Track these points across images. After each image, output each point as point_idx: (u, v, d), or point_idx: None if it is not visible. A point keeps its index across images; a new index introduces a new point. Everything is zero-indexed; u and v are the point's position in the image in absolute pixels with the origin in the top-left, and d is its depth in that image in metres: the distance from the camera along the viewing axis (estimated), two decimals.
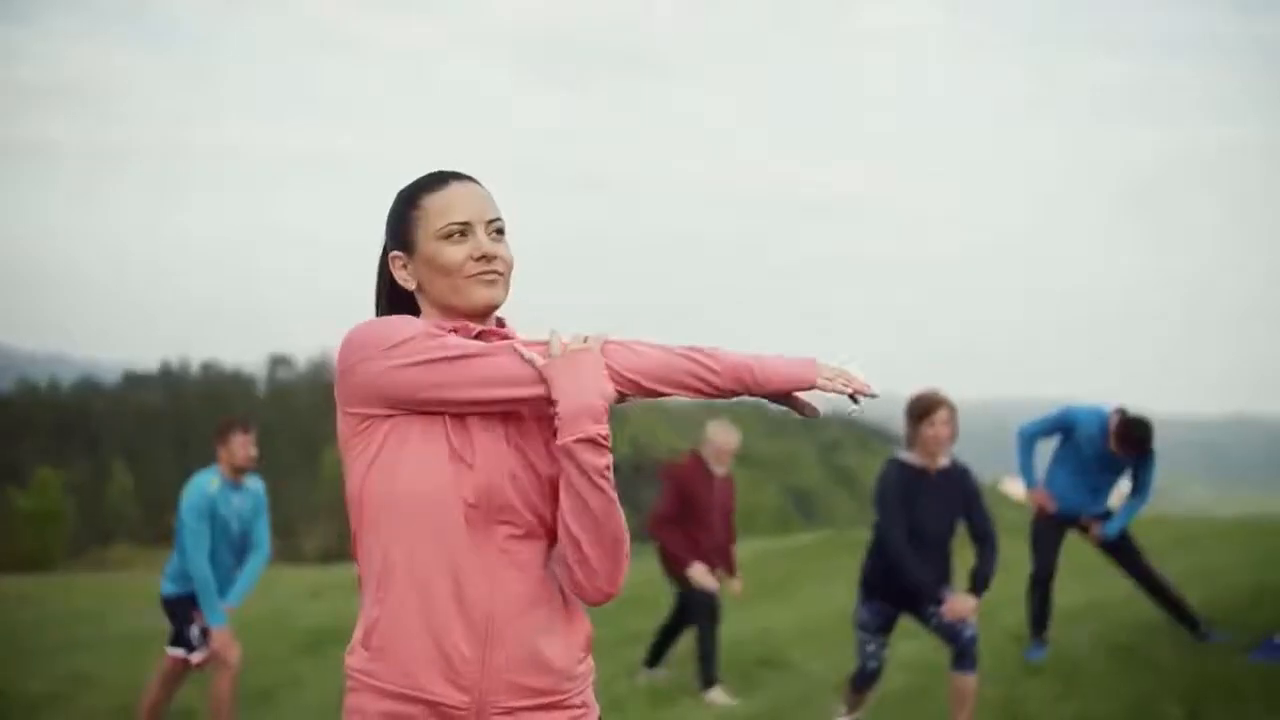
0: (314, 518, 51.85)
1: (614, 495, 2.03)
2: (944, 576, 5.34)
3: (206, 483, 6.08)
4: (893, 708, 6.15)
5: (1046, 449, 6.99)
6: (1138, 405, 7.25)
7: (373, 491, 2.05)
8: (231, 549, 6.19)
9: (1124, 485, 7.12)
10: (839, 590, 11.35)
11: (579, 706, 2.13)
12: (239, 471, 6.15)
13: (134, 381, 75.40)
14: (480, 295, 2.11)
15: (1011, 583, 7.08)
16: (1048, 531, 6.93)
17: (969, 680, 5.27)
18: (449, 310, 2.13)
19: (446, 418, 2.04)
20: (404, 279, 2.15)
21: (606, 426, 2.01)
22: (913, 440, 5.34)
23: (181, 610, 6.15)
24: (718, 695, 7.12)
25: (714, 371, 2.07)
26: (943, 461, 5.36)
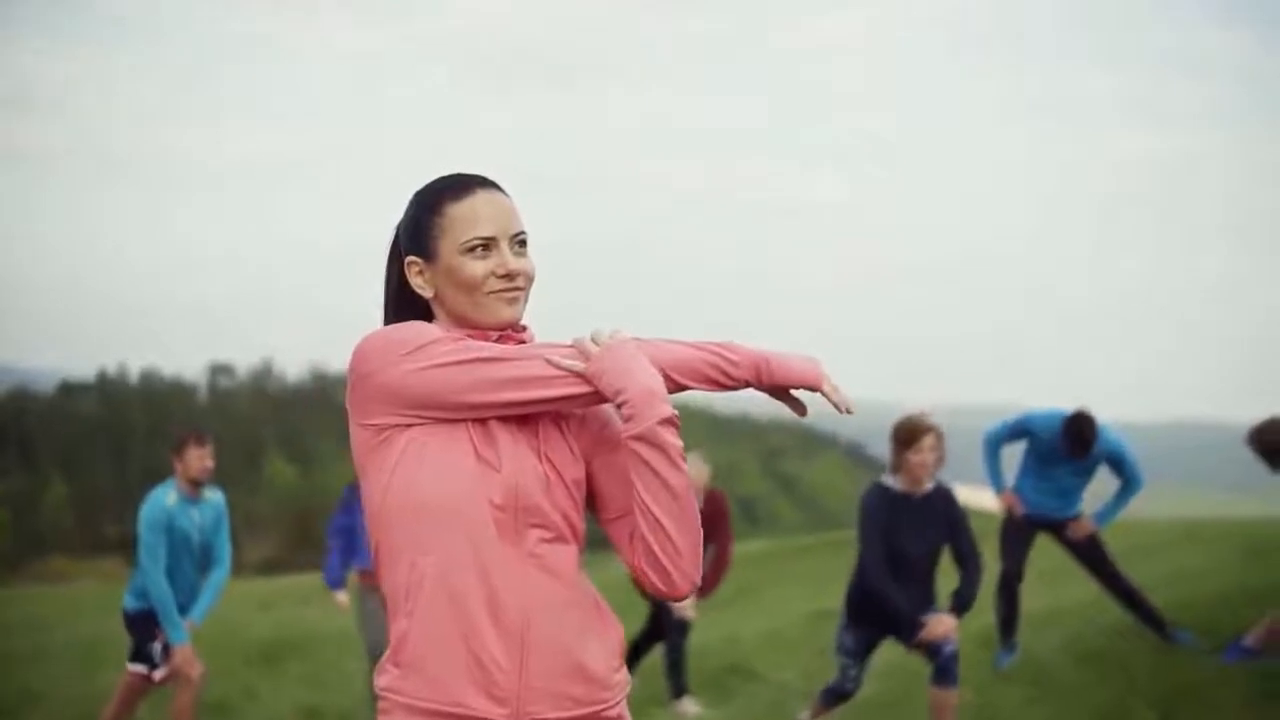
0: (257, 528, 51.25)
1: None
2: (927, 601, 5.27)
3: (163, 497, 5.93)
4: (868, 716, 6.11)
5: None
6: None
7: (396, 501, 1.98)
8: (194, 563, 6.05)
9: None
10: (797, 595, 11.39)
11: (616, 719, 2.07)
12: (196, 484, 6.00)
13: (70, 390, 74.10)
14: (501, 313, 2.06)
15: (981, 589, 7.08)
16: (1016, 534, 6.93)
17: (949, 695, 5.24)
18: (465, 322, 2.08)
19: (469, 423, 1.99)
20: (420, 286, 2.10)
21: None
22: (898, 465, 5.26)
23: (144, 626, 5.99)
24: (688, 705, 7.07)
25: (734, 364, 2.07)
26: (927, 485, 5.30)
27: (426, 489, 1.96)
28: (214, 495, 6.16)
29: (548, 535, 2.01)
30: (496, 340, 2.06)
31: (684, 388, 2.07)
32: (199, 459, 5.98)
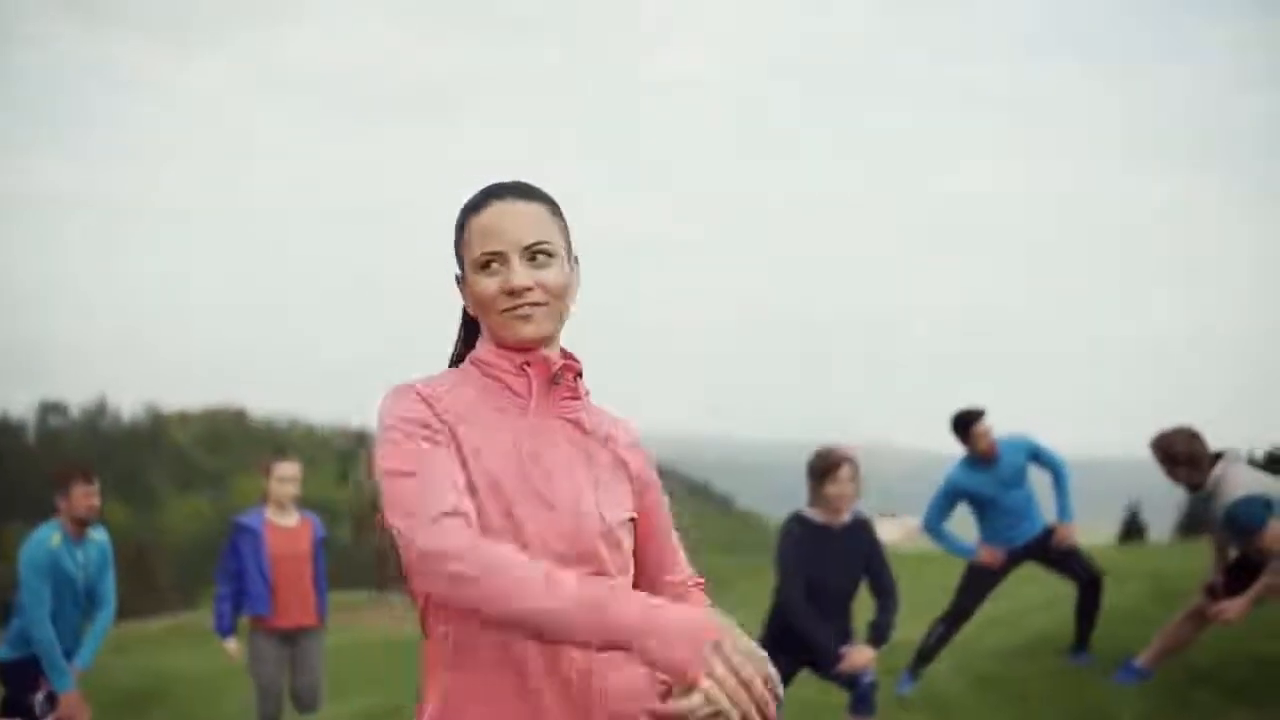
0: None
1: None
2: (846, 632, 5.29)
3: (47, 538, 5.61)
4: None
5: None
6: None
7: None
8: (79, 606, 5.74)
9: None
10: None
11: None
12: (81, 524, 5.70)
13: None
14: (520, 332, 1.90)
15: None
16: (985, 577, 7.01)
17: None
18: (497, 341, 1.95)
19: (525, 457, 1.86)
20: (466, 304, 2.00)
21: None
22: (815, 498, 5.29)
23: (22, 676, 5.65)
24: None
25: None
26: (845, 517, 5.33)
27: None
28: (99, 535, 5.87)
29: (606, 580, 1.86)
30: (522, 366, 1.92)
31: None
32: (85, 497, 5.68)
